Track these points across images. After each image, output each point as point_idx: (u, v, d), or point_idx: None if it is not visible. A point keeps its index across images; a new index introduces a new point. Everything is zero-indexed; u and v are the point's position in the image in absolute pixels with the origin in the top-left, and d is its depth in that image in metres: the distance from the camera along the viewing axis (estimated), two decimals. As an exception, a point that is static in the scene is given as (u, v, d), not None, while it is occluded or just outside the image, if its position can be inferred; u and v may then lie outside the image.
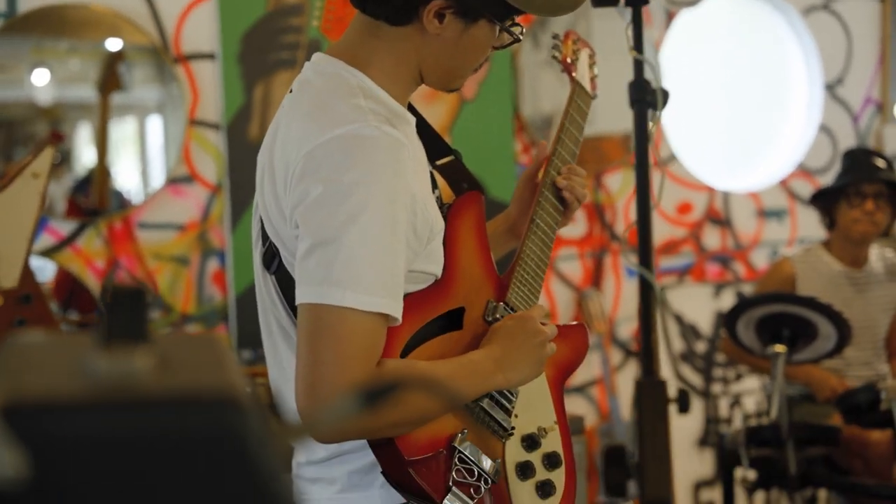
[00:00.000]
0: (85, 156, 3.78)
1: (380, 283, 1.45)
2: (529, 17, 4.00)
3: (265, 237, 1.62)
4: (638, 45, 1.12)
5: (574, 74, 1.98)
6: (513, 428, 1.68)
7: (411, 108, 1.71)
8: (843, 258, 3.67)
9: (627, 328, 4.41)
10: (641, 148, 1.08)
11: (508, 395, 1.67)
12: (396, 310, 1.49)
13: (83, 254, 3.60)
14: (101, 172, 3.71)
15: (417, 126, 1.71)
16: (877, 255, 3.75)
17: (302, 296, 1.48)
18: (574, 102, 1.94)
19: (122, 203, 3.74)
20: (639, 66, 1.12)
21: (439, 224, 1.61)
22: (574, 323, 1.85)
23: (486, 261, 1.71)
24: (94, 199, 3.69)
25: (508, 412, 1.67)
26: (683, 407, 0.96)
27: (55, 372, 0.59)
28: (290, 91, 1.64)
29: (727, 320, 3.24)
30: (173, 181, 3.71)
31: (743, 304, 3.22)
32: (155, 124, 3.86)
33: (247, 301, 3.75)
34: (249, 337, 3.74)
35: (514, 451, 1.68)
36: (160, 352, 0.62)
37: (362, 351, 1.44)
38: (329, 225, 1.45)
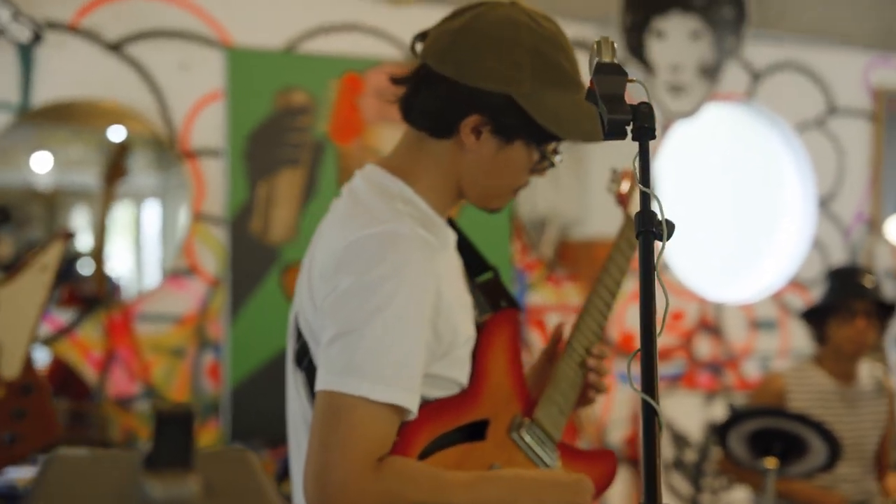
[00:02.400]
0: (81, 242, 3.82)
1: (398, 376, 1.48)
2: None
3: (299, 334, 1.65)
4: (644, 178, 1.17)
5: (628, 209, 2.04)
6: None
7: (453, 225, 1.77)
8: (834, 374, 3.70)
9: (618, 434, 4.42)
10: (647, 278, 1.12)
11: None
12: (411, 403, 1.50)
13: (81, 343, 3.62)
14: (99, 261, 3.75)
15: (459, 243, 1.76)
16: (866, 371, 3.78)
17: (321, 382, 1.50)
18: (624, 235, 1.98)
19: (115, 292, 3.77)
20: (645, 197, 1.17)
21: (467, 333, 1.64)
22: (603, 449, 1.85)
23: (517, 377, 1.73)
24: (92, 287, 3.72)
25: None
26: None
27: (106, 495, 0.62)
28: (339, 195, 1.70)
29: (719, 432, 3.25)
30: (174, 273, 3.75)
31: (735, 417, 3.23)
32: (153, 212, 3.91)
33: (241, 394, 3.76)
34: (241, 430, 3.74)
35: None
36: (202, 474, 0.65)
37: (368, 442, 1.46)
38: (355, 316, 1.48)
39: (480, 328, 1.70)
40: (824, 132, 4.91)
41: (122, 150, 3.73)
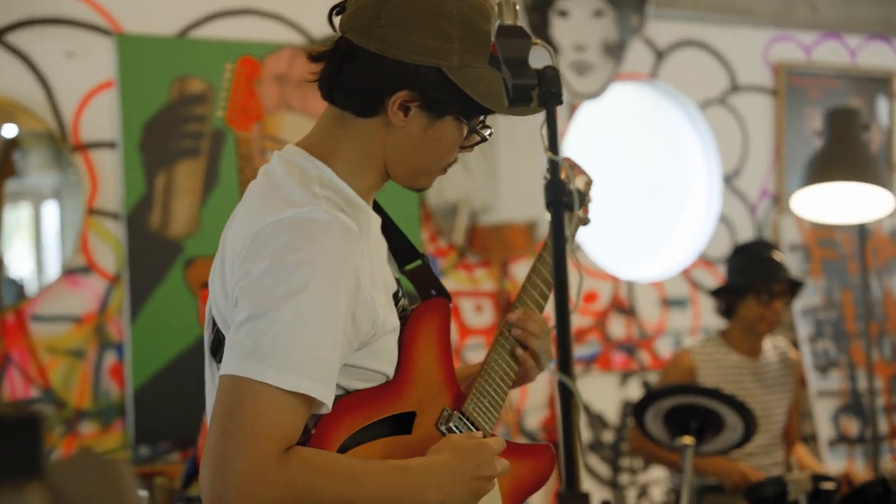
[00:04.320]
0: (-25, 244, 3.65)
1: (307, 365, 1.39)
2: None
3: (214, 324, 1.57)
4: (553, 145, 1.10)
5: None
6: None
7: (379, 209, 1.69)
8: (741, 348, 3.73)
9: (535, 418, 4.39)
10: (559, 250, 1.06)
11: None
12: (324, 394, 1.42)
13: (-28, 348, 3.45)
14: (-7, 262, 3.58)
15: (385, 229, 1.68)
16: (770, 344, 3.82)
17: (225, 367, 1.42)
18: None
19: (16, 293, 3.60)
20: (554, 165, 1.11)
21: (391, 323, 1.56)
22: (540, 443, 1.79)
23: (447, 368, 1.67)
24: (-16, 290, 3.56)
25: None
26: (608, 520, 0.93)
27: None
28: (255, 178, 1.61)
29: (635, 412, 3.23)
30: (70, 272, 3.59)
31: (650, 396, 3.21)
32: (51, 211, 3.75)
33: (146, 395, 3.62)
34: (147, 433, 3.60)
35: None
36: (55, 485, 0.56)
37: (274, 429, 1.38)
38: (265, 301, 1.40)
39: (408, 317, 1.63)
40: (727, 109, 4.93)
41: (10, 147, 3.56)
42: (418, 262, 1.75)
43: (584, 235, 4.56)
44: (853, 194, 4.17)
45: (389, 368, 1.57)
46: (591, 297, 4.57)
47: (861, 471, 4.67)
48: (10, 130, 3.55)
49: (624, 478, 4.55)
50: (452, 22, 1.51)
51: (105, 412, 3.61)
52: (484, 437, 1.66)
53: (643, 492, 4.56)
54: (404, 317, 1.63)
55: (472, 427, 1.67)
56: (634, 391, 4.56)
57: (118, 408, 3.63)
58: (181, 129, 3.72)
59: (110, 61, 3.64)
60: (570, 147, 4.53)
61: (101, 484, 0.60)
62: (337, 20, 1.60)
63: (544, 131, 1.17)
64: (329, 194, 1.51)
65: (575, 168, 1.97)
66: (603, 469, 4.51)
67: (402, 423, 1.59)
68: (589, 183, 1.96)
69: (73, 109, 3.61)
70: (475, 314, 4.24)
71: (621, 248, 4.78)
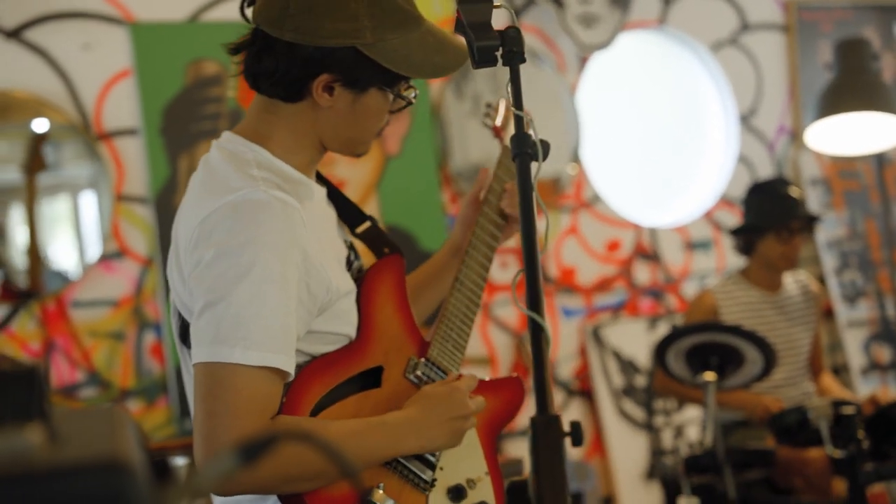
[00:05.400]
0: (18, 237, 3.78)
1: (267, 339, 1.48)
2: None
3: (178, 311, 1.65)
4: (517, 101, 1.18)
5: (504, 141, 2.06)
6: (434, 480, 1.70)
7: (322, 179, 1.77)
8: (762, 284, 3.78)
9: (567, 368, 4.48)
10: (526, 197, 1.14)
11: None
12: (287, 364, 1.51)
13: (17, 337, 3.59)
14: (33, 254, 3.71)
15: (332, 196, 1.76)
16: (791, 278, 3.87)
17: (195, 356, 1.51)
18: (502, 165, 2.00)
19: (61, 282, 3.73)
20: (519, 120, 1.19)
21: (345, 286, 1.64)
22: (509, 376, 1.89)
23: (407, 320, 1.76)
24: (26, 281, 3.69)
25: (430, 464, 1.70)
26: (577, 440, 1.01)
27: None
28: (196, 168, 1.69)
29: (657, 353, 3.31)
30: (104, 257, 3.72)
31: (670, 336, 3.29)
32: (87, 201, 3.88)
33: (186, 371, 3.76)
34: (191, 407, 3.74)
35: (439, 503, 1.71)
36: (54, 427, 0.66)
37: (253, 404, 1.47)
38: (218, 286, 1.49)
39: (362, 278, 1.71)
40: (739, 49, 4.95)
41: (40, 141, 3.68)
42: (367, 223, 1.82)
43: (604, 185, 4.62)
44: (868, 124, 4.19)
45: (351, 329, 1.66)
46: (614, 246, 4.64)
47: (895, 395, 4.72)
48: (41, 125, 3.67)
49: (659, 419, 4.63)
50: (360, 2, 1.57)
51: (149, 390, 3.75)
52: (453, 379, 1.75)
53: (679, 432, 4.64)
54: (360, 278, 1.71)
55: (439, 371, 1.76)
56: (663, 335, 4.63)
57: (161, 385, 3.76)
58: (199, 111, 3.83)
59: (126, 50, 3.75)
60: (584, 100, 4.58)
61: (94, 422, 0.70)
62: (249, 12, 1.65)
63: (509, 88, 1.25)
64: (266, 175, 1.58)
65: (498, 106, 2.06)
66: (637, 413, 4.60)
67: (370, 379, 1.68)
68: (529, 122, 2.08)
69: (94, 100, 3.72)
70: (501, 270, 4.33)
71: (642, 195, 4.84)
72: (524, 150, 1.18)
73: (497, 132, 2.10)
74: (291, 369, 1.52)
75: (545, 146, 1.18)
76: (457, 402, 1.65)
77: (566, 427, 1.09)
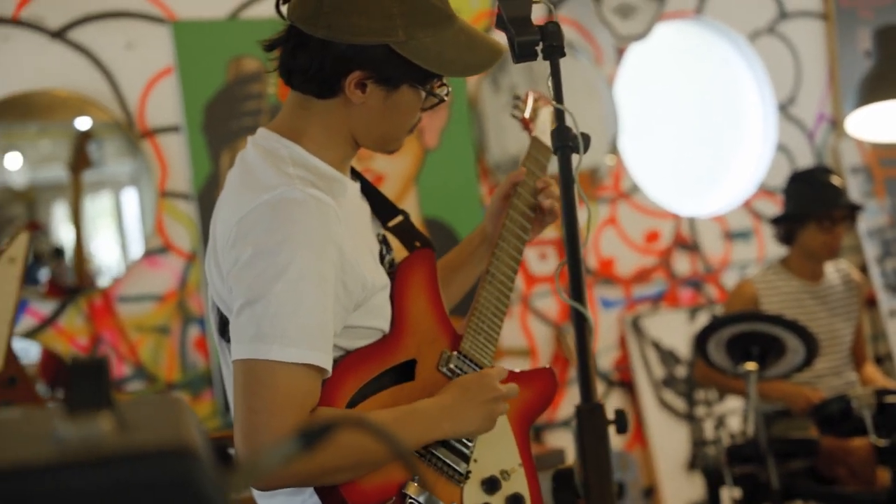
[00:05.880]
0: (62, 235, 3.85)
1: (305, 336, 1.51)
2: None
3: (217, 307, 1.68)
4: (558, 95, 1.20)
5: (533, 132, 2.08)
6: (469, 472, 1.72)
7: (356, 174, 1.80)
8: (803, 274, 3.76)
9: (607, 359, 4.49)
10: (567, 190, 1.16)
11: (465, 439, 1.72)
12: (324, 361, 1.54)
13: (65, 332, 3.66)
14: (79, 250, 3.78)
15: (365, 190, 1.79)
16: (832, 268, 3.85)
17: (234, 353, 1.54)
18: (531, 157, 2.03)
19: (107, 279, 3.79)
20: (560, 114, 1.21)
21: (380, 281, 1.67)
22: (542, 367, 1.91)
23: (439, 313, 1.78)
24: (73, 277, 3.76)
25: (464, 456, 1.72)
26: (621, 427, 1.03)
27: (28, 440, 0.66)
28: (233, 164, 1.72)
29: (698, 343, 3.31)
30: (149, 253, 3.78)
31: (711, 326, 3.29)
32: (130, 198, 3.94)
33: (230, 364, 3.81)
34: (235, 400, 3.79)
35: (473, 495, 1.72)
36: (121, 415, 0.69)
37: (292, 400, 1.50)
38: (257, 284, 1.52)
39: (395, 272, 1.74)
40: (777, 37, 4.93)
41: (84, 139, 3.74)
42: (400, 217, 1.84)
43: (642, 176, 4.62)
44: (908, 111, 4.16)
45: (385, 323, 1.69)
46: (653, 237, 4.64)
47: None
48: (84, 123, 3.73)
49: (700, 410, 4.63)
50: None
51: (194, 383, 3.81)
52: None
53: (720, 422, 4.63)
54: (392, 272, 1.74)
55: (472, 364, 1.78)
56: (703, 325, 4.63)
57: (205, 378, 3.82)
58: (240, 108, 3.88)
59: (168, 48, 3.80)
60: (622, 91, 4.58)
61: (157, 410, 0.73)
62: (284, 9, 1.67)
63: (550, 83, 1.27)
64: (301, 173, 1.60)
65: (541, 99, 2.07)
66: (678, 403, 4.60)
67: (404, 372, 1.70)
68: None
69: (137, 98, 3.78)
70: (539, 262, 4.34)
71: (681, 185, 4.83)
72: (565, 143, 1.20)
73: (526, 124, 2.11)
74: (329, 366, 1.55)
75: (586, 139, 1.20)
76: (488, 386, 1.68)
77: (610, 415, 1.11)
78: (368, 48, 1.59)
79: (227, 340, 1.65)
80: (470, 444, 1.73)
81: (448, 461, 1.69)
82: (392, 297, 1.71)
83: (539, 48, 1.29)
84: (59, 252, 3.86)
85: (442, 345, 1.76)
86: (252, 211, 1.55)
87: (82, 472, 0.61)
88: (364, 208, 1.77)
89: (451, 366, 1.75)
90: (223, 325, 1.66)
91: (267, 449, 1.46)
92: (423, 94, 1.67)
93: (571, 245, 1.17)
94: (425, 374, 1.72)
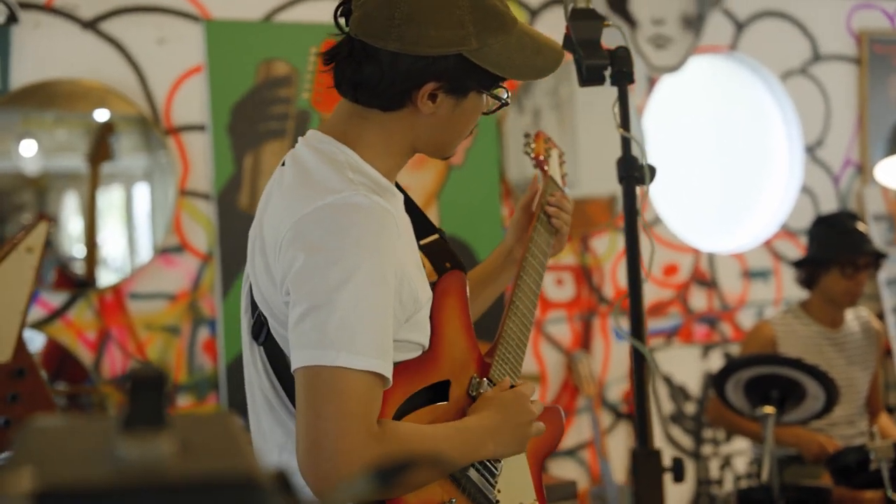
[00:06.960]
0: (72, 225, 3.80)
1: (372, 344, 1.47)
2: (514, 82, 4.07)
3: (254, 308, 1.63)
4: (625, 122, 1.16)
5: (547, 169, 2.08)
6: (498, 502, 1.69)
7: (398, 187, 1.75)
8: (822, 319, 3.72)
9: (617, 390, 4.43)
10: (631, 222, 1.12)
11: (492, 468, 1.69)
12: (388, 370, 1.50)
13: (74, 325, 3.61)
14: (90, 243, 3.73)
15: (406, 206, 1.75)
16: (852, 315, 3.80)
17: (297, 360, 1.49)
18: (546, 196, 2.03)
19: (109, 271, 3.75)
20: (626, 142, 1.16)
21: (426, 296, 1.64)
22: (552, 406, 1.89)
23: (470, 338, 1.75)
24: (83, 269, 3.71)
25: (493, 485, 1.69)
26: (678, 476, 0.98)
27: (82, 457, 0.61)
28: (283, 164, 1.66)
29: (716, 383, 3.26)
30: (164, 251, 3.73)
31: (731, 367, 3.24)
32: (142, 193, 3.89)
33: (237, 369, 3.76)
34: (240, 405, 3.73)
35: None
36: (180, 435, 0.64)
37: (360, 407, 1.46)
38: (321, 289, 1.47)
39: (433, 291, 1.70)
40: (809, 79, 4.89)
41: (106, 130, 3.70)
42: (435, 235, 1.81)
43: (665, 208, 4.58)
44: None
45: (425, 339, 1.65)
46: (671, 270, 4.59)
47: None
48: (101, 115, 3.69)
49: (707, 449, 4.57)
50: (463, 8, 1.56)
51: (200, 385, 3.76)
52: None
53: (726, 462, 4.58)
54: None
55: None
56: (716, 363, 4.57)
57: (212, 381, 3.77)
58: (267, 111, 3.83)
59: (199, 47, 3.77)
60: (650, 121, 4.54)
61: (215, 431, 0.68)
62: (343, 21, 1.64)
63: (616, 109, 1.22)
64: (362, 179, 1.57)
65: (549, 141, 2.07)
66: (686, 440, 4.54)
67: (439, 392, 1.68)
68: (562, 155, 2.11)
69: (165, 94, 3.74)
70: (556, 288, 4.29)
71: (703, 220, 4.79)
72: (631, 173, 1.15)
73: (540, 164, 2.12)
74: (390, 375, 1.51)
75: (652, 170, 1.15)
76: (523, 407, 1.68)
77: (667, 462, 1.06)
78: (439, 59, 1.56)
79: (260, 344, 1.61)
80: (496, 472, 1.70)
81: (482, 487, 1.67)
82: (431, 315, 1.67)
83: (607, 73, 1.25)
84: (68, 243, 3.81)
85: (471, 370, 1.74)
86: (314, 212, 1.50)
87: (145, 499, 0.56)
88: (409, 221, 1.74)
89: (481, 391, 1.73)
90: (259, 327, 1.62)
91: (342, 486, 1.41)
92: (487, 98, 1.65)
93: (633, 279, 1.12)
94: (456, 396, 1.70)
